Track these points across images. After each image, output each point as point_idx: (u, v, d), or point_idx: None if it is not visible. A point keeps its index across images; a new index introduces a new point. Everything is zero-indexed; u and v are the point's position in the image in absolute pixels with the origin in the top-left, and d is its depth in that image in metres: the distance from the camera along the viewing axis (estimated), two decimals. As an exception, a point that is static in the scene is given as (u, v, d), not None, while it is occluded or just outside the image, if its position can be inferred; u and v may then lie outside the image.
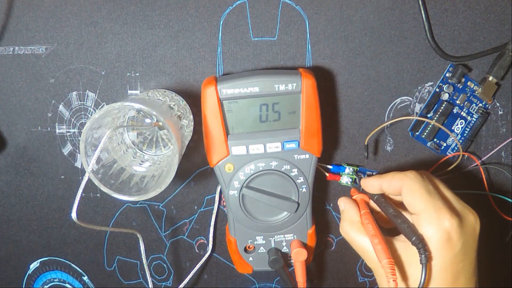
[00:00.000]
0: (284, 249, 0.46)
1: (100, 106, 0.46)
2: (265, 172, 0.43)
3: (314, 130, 0.42)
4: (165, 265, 0.51)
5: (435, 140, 0.46)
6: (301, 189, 0.43)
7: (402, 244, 0.37)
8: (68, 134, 0.47)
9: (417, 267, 0.34)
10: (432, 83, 0.45)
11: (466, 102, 0.45)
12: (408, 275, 0.36)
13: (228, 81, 0.40)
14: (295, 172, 0.43)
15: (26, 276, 0.52)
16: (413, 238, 0.35)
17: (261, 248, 0.46)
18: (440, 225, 0.34)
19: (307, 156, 0.42)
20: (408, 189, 0.37)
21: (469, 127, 0.46)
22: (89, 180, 0.38)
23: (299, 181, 0.43)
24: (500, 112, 0.46)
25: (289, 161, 0.42)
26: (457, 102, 0.45)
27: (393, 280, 0.33)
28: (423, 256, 0.34)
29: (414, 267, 0.35)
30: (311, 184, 0.43)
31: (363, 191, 0.43)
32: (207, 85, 0.40)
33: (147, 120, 0.44)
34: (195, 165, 0.48)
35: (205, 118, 0.41)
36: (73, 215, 0.35)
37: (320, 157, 0.43)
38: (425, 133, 0.45)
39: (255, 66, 0.45)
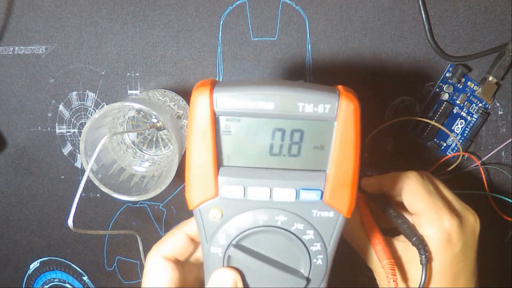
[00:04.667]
0: None
1: (100, 106, 0.46)
2: (267, 229, 0.30)
3: (348, 177, 0.29)
4: (165, 265, 0.51)
5: (435, 140, 0.46)
6: (315, 260, 0.31)
7: (402, 244, 0.37)
8: (68, 134, 0.47)
9: (417, 267, 0.34)
10: (432, 83, 0.45)
11: (466, 102, 0.45)
12: (408, 275, 0.36)
13: (230, 88, 0.28)
14: (310, 235, 0.30)
15: (26, 276, 0.52)
16: (414, 239, 0.35)
17: None
18: (440, 225, 0.34)
19: (332, 214, 0.30)
20: (408, 189, 0.37)
21: (469, 127, 0.46)
22: (89, 180, 0.38)
23: (314, 248, 0.31)
24: (500, 112, 0.46)
25: (304, 218, 0.30)
26: (457, 102, 0.45)
27: (393, 281, 0.33)
28: (423, 256, 0.34)
29: (414, 268, 0.35)
30: (331, 255, 0.31)
31: (363, 191, 0.43)
32: (199, 91, 0.28)
33: (154, 120, 0.44)
34: (195, 165, 0.48)
35: (190, 138, 0.29)
36: (70, 222, 0.34)
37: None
38: (425, 133, 0.45)
39: (255, 66, 0.45)
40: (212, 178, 0.29)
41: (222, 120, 0.29)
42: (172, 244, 0.33)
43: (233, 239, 0.30)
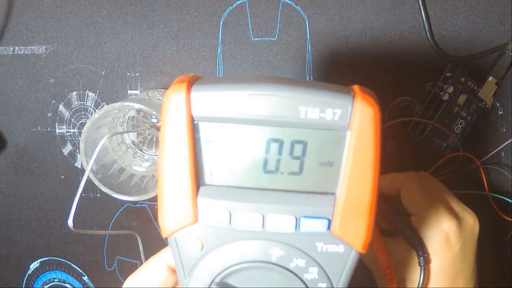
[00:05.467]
0: None
1: (100, 106, 0.46)
2: (259, 265, 0.24)
3: (364, 202, 0.23)
4: (165, 265, 0.51)
5: (435, 140, 0.46)
6: None
7: (401, 245, 0.37)
8: (68, 134, 0.47)
9: (415, 268, 0.34)
10: (432, 83, 0.45)
11: (466, 102, 0.45)
12: (406, 276, 0.36)
13: (213, 87, 0.23)
14: (313, 274, 0.24)
15: (26, 276, 0.52)
16: (412, 240, 0.35)
17: None
18: (439, 227, 0.34)
19: (342, 249, 0.24)
20: (407, 190, 0.37)
21: (469, 127, 0.46)
22: (89, 180, 0.38)
23: None
24: (500, 112, 0.46)
25: (306, 253, 0.24)
26: (457, 102, 0.45)
27: (392, 282, 0.33)
28: (421, 258, 0.34)
29: (413, 269, 0.35)
30: None
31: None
32: (173, 90, 0.23)
33: (154, 120, 0.44)
34: (195, 165, 0.48)
35: (162, 150, 0.23)
36: (70, 222, 0.34)
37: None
38: (425, 133, 0.45)
39: (255, 66, 0.45)
40: (190, 200, 0.23)
41: (203, 127, 0.23)
42: (150, 277, 0.28)
43: (217, 276, 0.24)
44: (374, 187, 0.23)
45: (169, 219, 0.24)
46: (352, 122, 0.22)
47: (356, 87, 0.23)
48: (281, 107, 0.22)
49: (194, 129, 0.23)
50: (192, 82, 0.23)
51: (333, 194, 0.23)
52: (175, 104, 0.22)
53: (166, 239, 0.25)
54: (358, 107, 0.22)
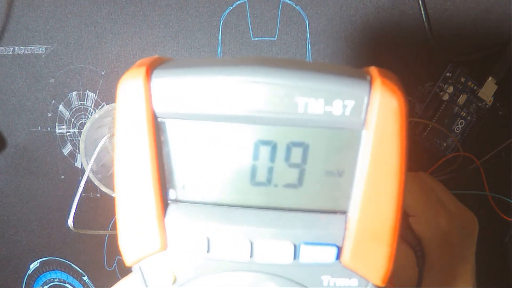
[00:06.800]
0: None
1: (100, 106, 0.46)
2: None
3: (384, 224, 0.18)
4: (165, 265, 0.51)
5: (435, 140, 0.46)
6: None
7: (400, 246, 0.36)
8: (68, 134, 0.47)
9: (414, 269, 0.34)
10: (432, 83, 0.45)
11: (466, 102, 0.45)
12: (405, 277, 0.36)
13: (181, 71, 0.17)
14: None
15: (26, 276, 0.52)
16: (411, 240, 0.35)
17: None
18: (438, 227, 0.34)
19: (355, 283, 0.19)
20: (406, 191, 0.37)
21: (469, 127, 0.46)
22: (89, 180, 0.38)
23: None
24: (500, 112, 0.46)
25: None
26: (457, 102, 0.45)
27: (390, 282, 0.33)
28: (420, 258, 0.34)
29: (411, 269, 0.35)
30: None
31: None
32: (128, 77, 0.18)
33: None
34: (195, 165, 0.48)
35: (117, 156, 0.18)
36: (70, 222, 0.34)
37: None
38: (425, 133, 0.45)
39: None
40: (155, 222, 0.18)
41: (170, 126, 0.17)
42: None
43: None
44: (398, 203, 0.18)
45: (130, 245, 0.18)
46: (368, 118, 0.17)
47: (373, 70, 0.18)
48: (273, 99, 0.16)
49: (157, 129, 0.17)
50: (154, 65, 0.17)
51: (344, 213, 0.18)
52: (129, 95, 0.17)
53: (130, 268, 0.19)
54: (378, 97, 0.17)
